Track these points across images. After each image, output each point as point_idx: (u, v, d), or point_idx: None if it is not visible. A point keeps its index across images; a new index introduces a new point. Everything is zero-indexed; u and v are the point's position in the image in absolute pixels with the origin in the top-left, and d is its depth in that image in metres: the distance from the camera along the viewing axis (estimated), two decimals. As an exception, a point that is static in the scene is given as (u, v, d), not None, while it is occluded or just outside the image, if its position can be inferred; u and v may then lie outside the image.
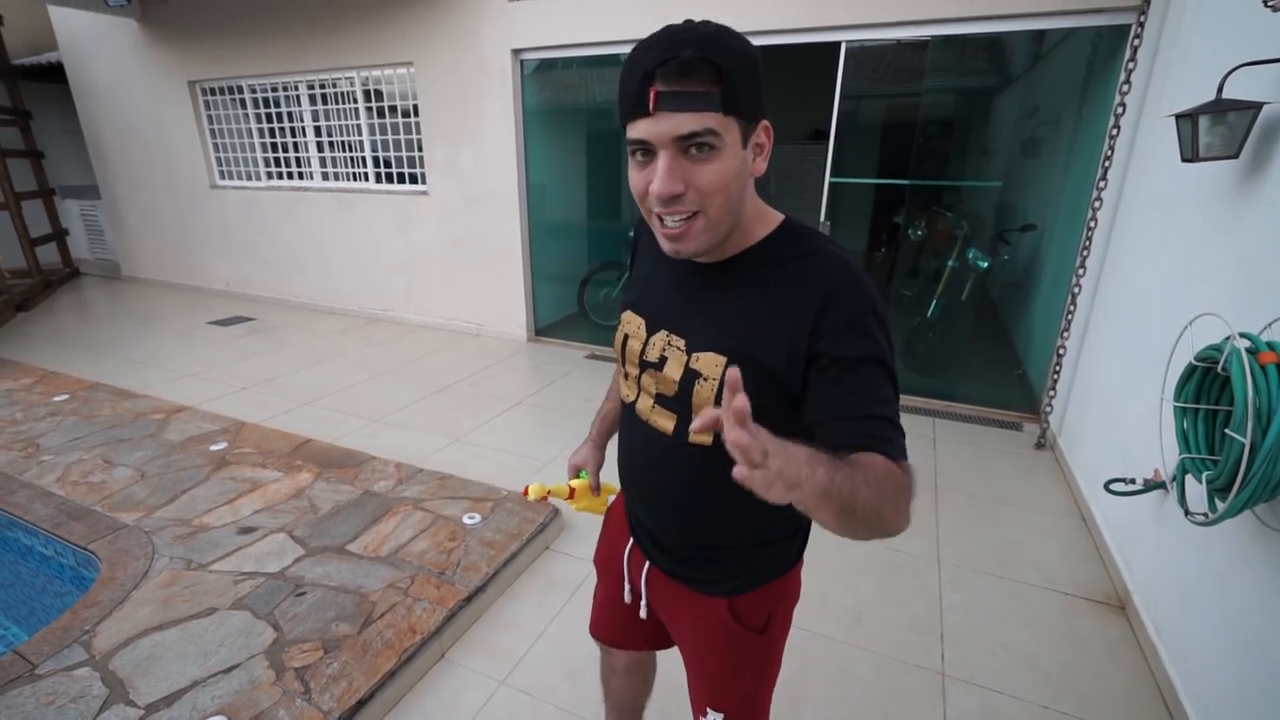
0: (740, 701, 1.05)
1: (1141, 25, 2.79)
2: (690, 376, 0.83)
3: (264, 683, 1.74)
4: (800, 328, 0.75)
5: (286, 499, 2.67)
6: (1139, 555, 2.16)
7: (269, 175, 6.14)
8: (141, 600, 2.06)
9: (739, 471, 0.54)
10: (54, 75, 7.17)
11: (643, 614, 1.09)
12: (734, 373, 0.53)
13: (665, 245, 0.78)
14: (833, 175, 3.89)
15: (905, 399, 3.92)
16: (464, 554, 2.30)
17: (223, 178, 6.43)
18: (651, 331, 0.89)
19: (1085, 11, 3.01)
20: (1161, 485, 1.97)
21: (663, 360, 0.87)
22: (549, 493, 1.19)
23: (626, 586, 1.12)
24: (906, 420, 3.33)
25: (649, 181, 0.72)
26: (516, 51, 4.48)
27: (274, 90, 5.75)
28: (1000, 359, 4.48)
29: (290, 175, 6.03)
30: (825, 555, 2.44)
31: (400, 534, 2.42)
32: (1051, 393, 3.27)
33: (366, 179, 5.60)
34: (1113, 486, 2.19)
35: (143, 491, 2.71)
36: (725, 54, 0.67)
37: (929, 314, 4.16)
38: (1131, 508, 2.20)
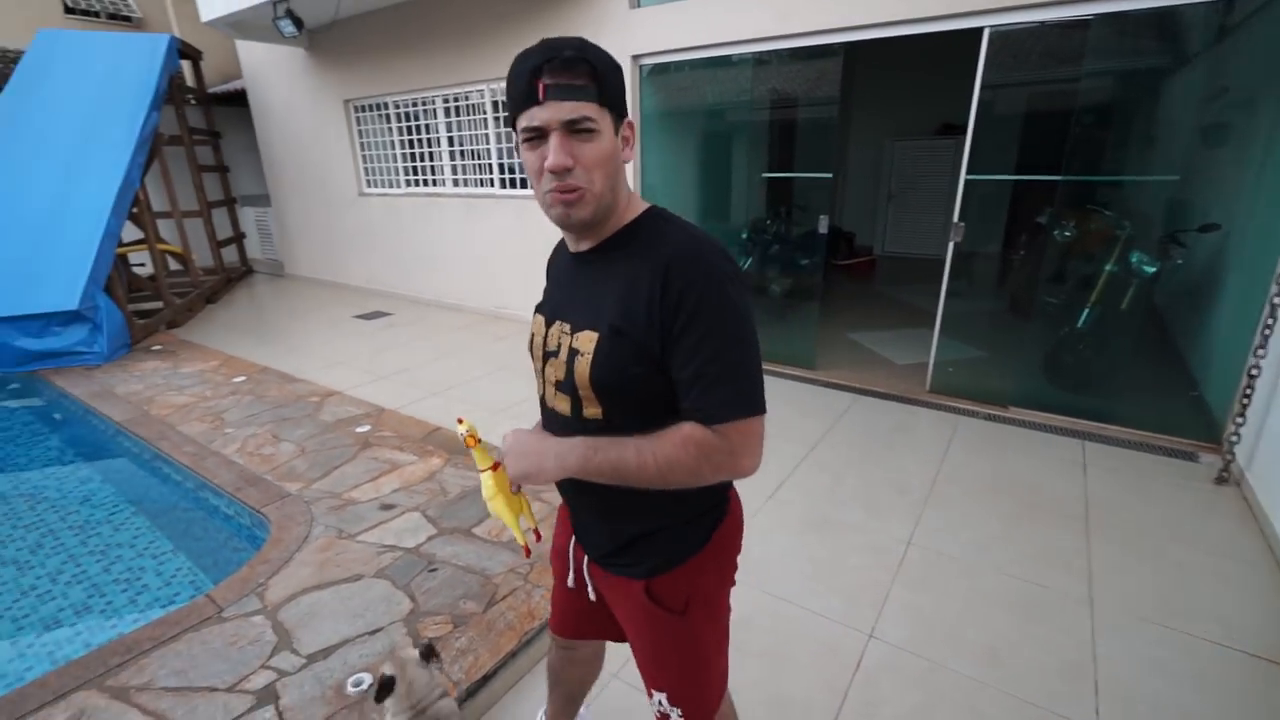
0: (677, 681, 1.08)
1: (1381, -15, 2.33)
2: (572, 355, 0.92)
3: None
4: (651, 294, 0.84)
5: (420, 481, 2.90)
6: (1361, 620, 1.80)
7: (407, 183, 6.72)
8: (303, 561, 2.32)
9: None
10: (238, 100, 8.30)
11: (591, 596, 1.15)
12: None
13: (559, 212, 0.87)
14: (969, 172, 3.60)
15: (1048, 417, 3.56)
16: (579, 546, 2.37)
17: (368, 186, 7.12)
18: (549, 325, 1.00)
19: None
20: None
21: (558, 348, 0.96)
22: (477, 441, 1.07)
23: (571, 574, 1.19)
24: (1049, 440, 2.98)
25: (543, 159, 0.83)
26: (636, 57, 4.57)
27: (414, 105, 6.27)
28: (1169, 378, 3.93)
29: (425, 182, 6.56)
30: (951, 583, 2.27)
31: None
32: (1239, 420, 2.82)
33: (492, 184, 5.96)
34: (1327, 535, 1.84)
35: (303, 465, 3.06)
36: (597, 57, 0.82)
37: (1079, 324, 3.74)
38: (1352, 562, 1.84)
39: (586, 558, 1.14)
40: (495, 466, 1.10)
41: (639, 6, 4.46)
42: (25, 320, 4.66)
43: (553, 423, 1.03)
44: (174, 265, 7.30)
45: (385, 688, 1.37)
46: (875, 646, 1.99)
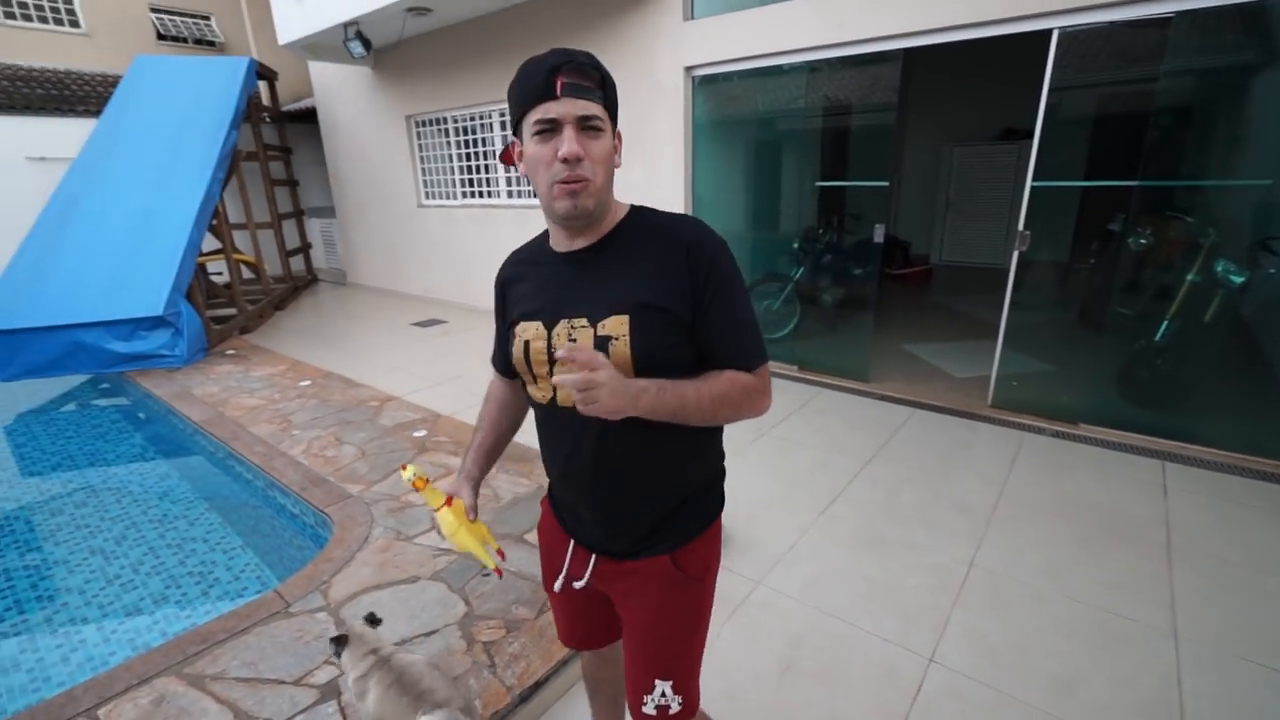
0: (682, 662, 1.12)
1: None
2: (602, 343, 0.95)
3: (458, 651, 1.94)
4: (679, 272, 0.95)
5: (473, 485, 2.96)
6: None
7: (464, 194, 6.93)
8: (363, 561, 2.40)
9: (577, 396, 0.87)
10: (308, 117, 8.76)
11: (577, 585, 1.15)
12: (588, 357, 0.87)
13: (566, 203, 0.93)
14: (1036, 178, 3.46)
15: (1123, 435, 3.37)
16: (628, 556, 2.37)
17: (427, 198, 7.38)
18: (551, 327, 1.00)
19: None
20: None
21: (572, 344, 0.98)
22: (426, 482, 1.09)
23: (561, 578, 1.17)
24: (1124, 460, 2.83)
25: (556, 150, 0.90)
26: (689, 69, 4.59)
27: (471, 119, 6.48)
28: (1261, 395, 3.64)
29: (481, 194, 6.75)
30: (1018, 608, 2.16)
31: (570, 529, 2.57)
32: (1344, 443, 2.59)
33: (544, 196, 6.08)
34: None
35: (364, 467, 3.18)
36: (603, 67, 0.94)
37: (1157, 336, 3.52)
38: None
39: (594, 558, 1.12)
40: (449, 501, 1.12)
41: (692, 18, 4.49)
42: (116, 325, 5.03)
43: (568, 428, 1.02)
44: (246, 274, 7.74)
45: (340, 641, 1.56)
46: (936, 671, 1.91)
